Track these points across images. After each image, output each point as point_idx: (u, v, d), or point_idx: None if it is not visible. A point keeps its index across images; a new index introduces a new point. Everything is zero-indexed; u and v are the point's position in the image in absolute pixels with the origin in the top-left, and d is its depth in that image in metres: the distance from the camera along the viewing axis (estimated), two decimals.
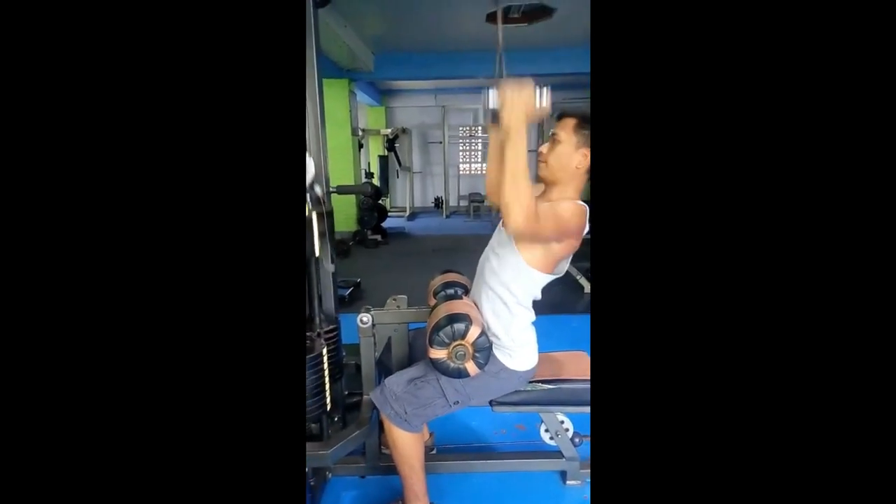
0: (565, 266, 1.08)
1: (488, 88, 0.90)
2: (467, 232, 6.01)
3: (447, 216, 7.46)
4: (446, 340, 1.01)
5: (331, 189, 1.34)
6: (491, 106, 0.90)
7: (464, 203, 7.75)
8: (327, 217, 1.23)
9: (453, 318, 1.02)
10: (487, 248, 1.13)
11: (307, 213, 1.11)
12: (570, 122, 1.02)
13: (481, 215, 7.19)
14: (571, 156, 1.01)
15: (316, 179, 1.16)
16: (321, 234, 1.17)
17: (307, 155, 1.14)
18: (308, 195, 1.11)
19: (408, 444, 1.10)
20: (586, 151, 1.00)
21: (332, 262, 1.31)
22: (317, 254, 1.18)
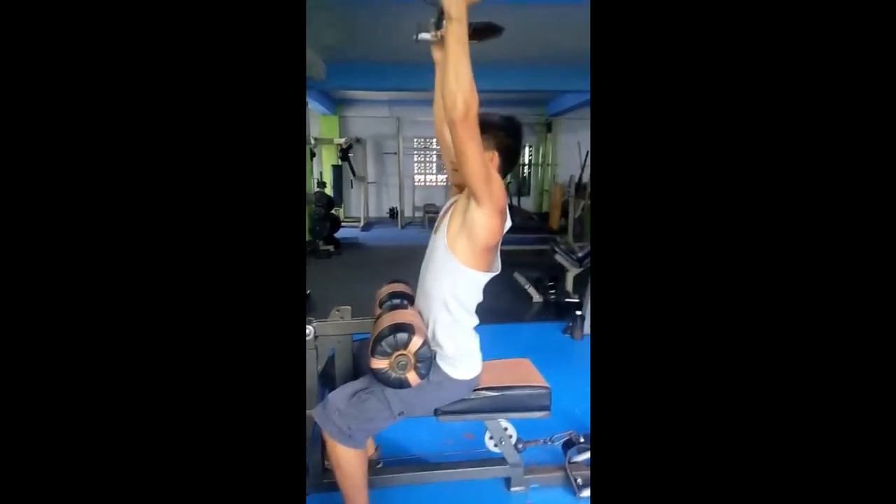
0: (498, 263, 1.09)
1: None
2: (422, 243, 5.85)
3: (402, 227, 7.42)
4: (388, 350, 1.00)
5: None
6: None
7: (419, 214, 7.74)
8: None
9: (396, 328, 1.01)
10: (425, 258, 1.14)
11: None
12: None
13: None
14: None
15: None
16: None
17: None
18: None
19: (351, 462, 1.07)
20: (492, 155, 1.03)
21: None
22: None
